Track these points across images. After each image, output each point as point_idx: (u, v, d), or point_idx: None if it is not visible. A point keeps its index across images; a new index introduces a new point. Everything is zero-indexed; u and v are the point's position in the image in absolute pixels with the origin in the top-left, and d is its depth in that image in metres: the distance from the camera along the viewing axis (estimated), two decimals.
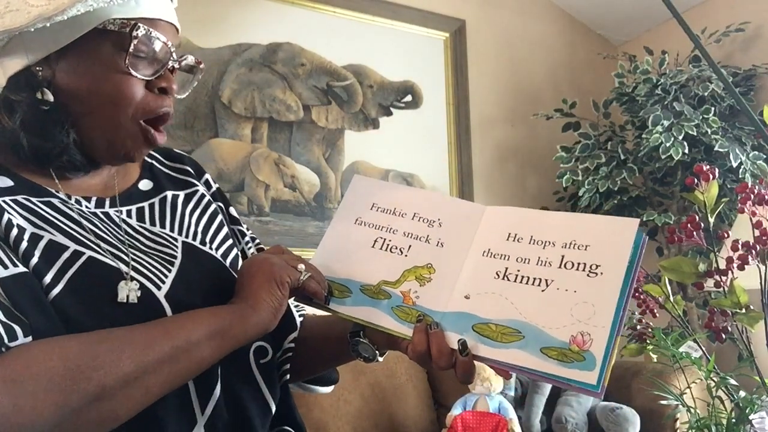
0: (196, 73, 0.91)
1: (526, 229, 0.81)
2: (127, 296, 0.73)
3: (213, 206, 0.96)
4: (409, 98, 3.02)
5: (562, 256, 0.77)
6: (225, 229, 0.95)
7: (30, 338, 0.67)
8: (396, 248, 0.85)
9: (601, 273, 0.74)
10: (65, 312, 0.71)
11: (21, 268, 0.70)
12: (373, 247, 0.86)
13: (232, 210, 1.01)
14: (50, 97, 0.78)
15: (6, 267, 0.69)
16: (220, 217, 0.96)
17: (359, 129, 2.91)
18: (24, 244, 0.72)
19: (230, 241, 0.94)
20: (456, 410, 2.12)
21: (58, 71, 0.78)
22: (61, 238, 0.75)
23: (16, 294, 0.68)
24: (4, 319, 0.66)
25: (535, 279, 0.76)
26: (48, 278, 0.72)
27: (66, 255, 0.74)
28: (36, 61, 0.77)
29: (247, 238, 1.00)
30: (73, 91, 0.79)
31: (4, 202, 0.75)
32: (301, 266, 0.82)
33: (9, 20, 0.74)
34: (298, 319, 0.98)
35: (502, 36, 3.31)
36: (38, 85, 0.78)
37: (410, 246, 0.85)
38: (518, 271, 0.78)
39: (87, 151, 0.82)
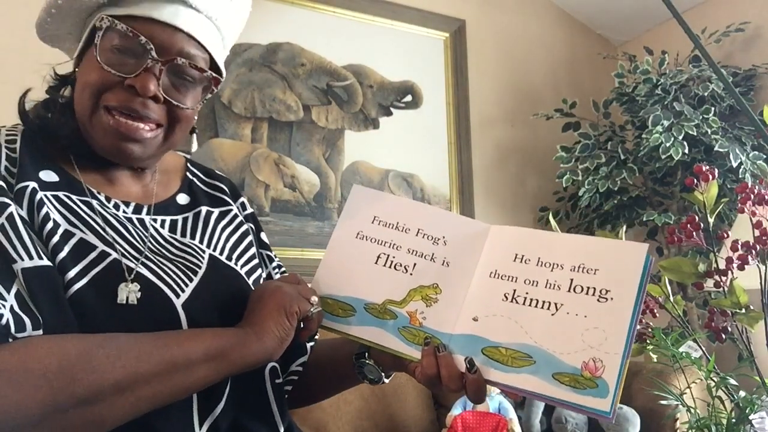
0: (210, 87, 0.88)
1: (533, 250, 0.80)
2: (127, 297, 0.73)
3: (245, 227, 0.96)
4: (409, 98, 3.02)
5: (571, 280, 0.76)
6: (253, 250, 0.95)
7: (39, 332, 0.67)
8: (400, 266, 0.83)
9: (612, 298, 0.73)
10: (84, 306, 0.72)
11: (45, 261, 0.71)
12: (376, 263, 0.84)
13: (263, 235, 1.01)
14: (68, 92, 0.86)
15: (32, 257, 0.70)
16: (250, 237, 0.96)
17: (359, 129, 2.91)
18: (56, 239, 0.74)
19: (256, 261, 0.94)
20: (456, 410, 2.12)
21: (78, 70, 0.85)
22: (91, 238, 0.76)
23: (36, 286, 0.69)
24: (17, 310, 0.67)
25: (544, 302, 0.76)
26: (72, 273, 0.73)
27: (93, 255, 0.75)
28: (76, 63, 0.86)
29: (274, 264, 1.00)
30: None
31: (46, 196, 0.77)
32: (314, 299, 0.81)
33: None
34: (309, 344, 0.97)
35: (502, 36, 3.31)
36: (66, 83, 0.87)
37: (415, 264, 0.83)
38: (527, 293, 0.77)
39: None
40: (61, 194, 0.79)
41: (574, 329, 0.73)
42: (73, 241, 0.75)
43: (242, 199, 1.01)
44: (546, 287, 0.77)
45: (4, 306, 0.66)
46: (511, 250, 0.81)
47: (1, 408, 0.61)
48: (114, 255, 0.76)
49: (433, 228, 0.85)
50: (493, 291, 0.79)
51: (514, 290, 0.78)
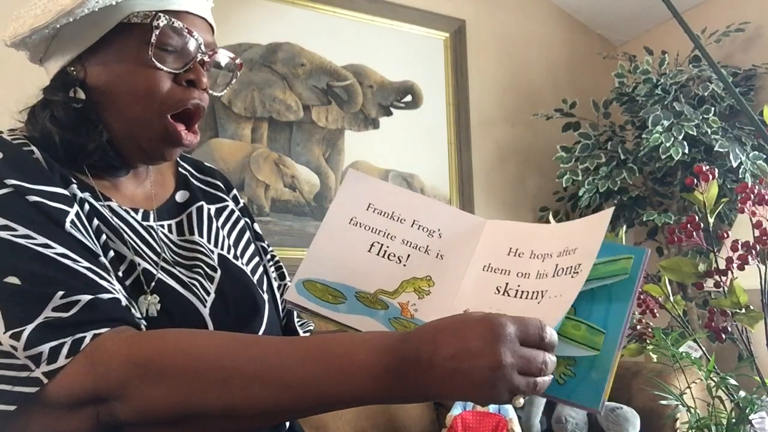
0: (235, 71, 0.89)
1: (527, 243, 0.79)
2: (147, 310, 0.73)
3: (242, 221, 0.95)
4: (409, 98, 3.02)
5: (556, 265, 0.75)
6: (252, 246, 0.94)
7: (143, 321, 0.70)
8: (394, 256, 0.82)
9: (580, 271, 0.72)
10: None
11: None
12: (369, 251, 0.82)
13: (256, 226, 1.00)
14: (81, 95, 0.78)
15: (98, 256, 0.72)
16: (248, 233, 0.95)
17: (359, 129, 2.91)
18: (102, 238, 0.75)
19: (257, 258, 0.93)
20: (456, 410, 2.12)
21: (89, 69, 0.79)
22: (120, 246, 0.76)
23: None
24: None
25: (532, 293, 0.75)
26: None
27: (124, 266, 0.75)
28: (70, 61, 0.79)
29: (268, 256, 0.99)
30: (102, 87, 0.79)
31: (84, 198, 0.76)
32: (541, 382, 0.60)
33: (40, 20, 0.76)
34: (305, 335, 0.96)
35: (502, 36, 3.31)
36: (71, 84, 0.79)
37: (409, 255, 0.82)
38: (518, 286, 0.76)
39: (119, 151, 0.82)
40: (88, 197, 0.78)
41: (555, 312, 0.71)
42: (111, 252, 0.75)
43: (235, 191, 1.00)
44: (536, 278, 0.76)
45: (115, 290, 0.66)
46: (506, 244, 0.80)
47: (137, 403, 0.59)
48: (143, 264, 0.76)
49: (428, 220, 0.84)
50: (486, 284, 0.78)
51: (507, 283, 0.77)
